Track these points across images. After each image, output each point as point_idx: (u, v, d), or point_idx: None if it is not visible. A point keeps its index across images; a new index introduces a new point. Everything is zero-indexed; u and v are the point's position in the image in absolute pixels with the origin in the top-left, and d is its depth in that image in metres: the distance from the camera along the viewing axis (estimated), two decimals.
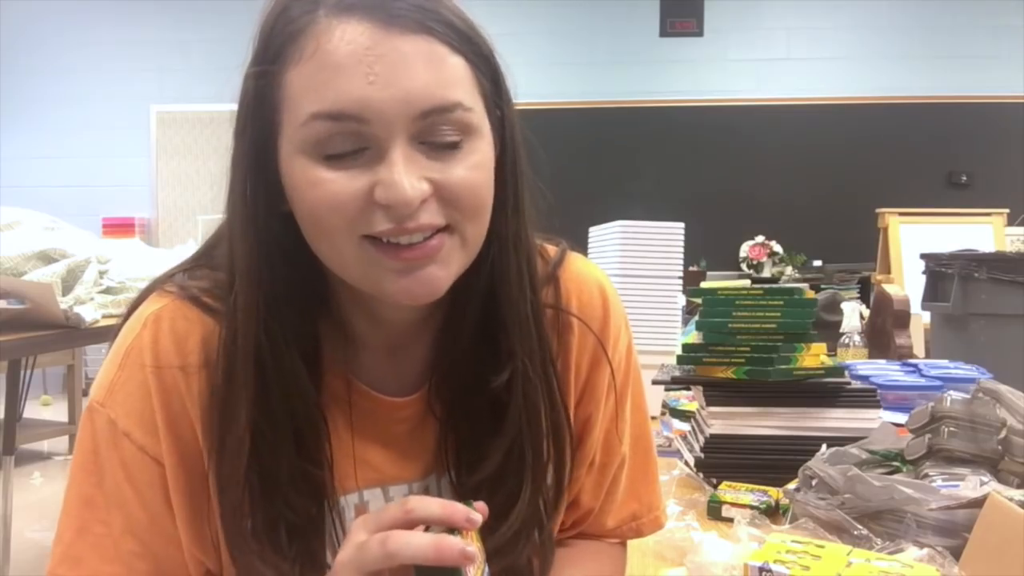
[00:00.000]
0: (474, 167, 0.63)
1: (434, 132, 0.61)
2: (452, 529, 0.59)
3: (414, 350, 0.75)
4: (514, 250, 0.70)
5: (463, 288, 0.69)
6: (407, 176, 0.59)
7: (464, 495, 0.70)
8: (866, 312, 2.37)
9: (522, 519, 0.72)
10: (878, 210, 4.09)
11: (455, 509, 0.59)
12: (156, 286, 0.73)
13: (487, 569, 0.63)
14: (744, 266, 6.32)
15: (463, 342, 0.72)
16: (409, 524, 0.59)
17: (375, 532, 0.59)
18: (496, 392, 0.71)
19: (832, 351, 1.97)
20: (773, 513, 1.11)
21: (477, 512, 0.60)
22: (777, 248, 6.32)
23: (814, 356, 1.28)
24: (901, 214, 3.98)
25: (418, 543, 0.57)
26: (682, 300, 1.95)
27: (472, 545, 0.58)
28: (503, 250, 0.69)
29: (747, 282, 1.37)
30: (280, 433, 0.66)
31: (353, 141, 0.60)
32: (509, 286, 0.70)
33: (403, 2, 0.60)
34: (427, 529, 0.59)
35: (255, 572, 0.67)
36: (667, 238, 1.77)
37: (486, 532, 0.65)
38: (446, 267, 0.64)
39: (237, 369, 0.65)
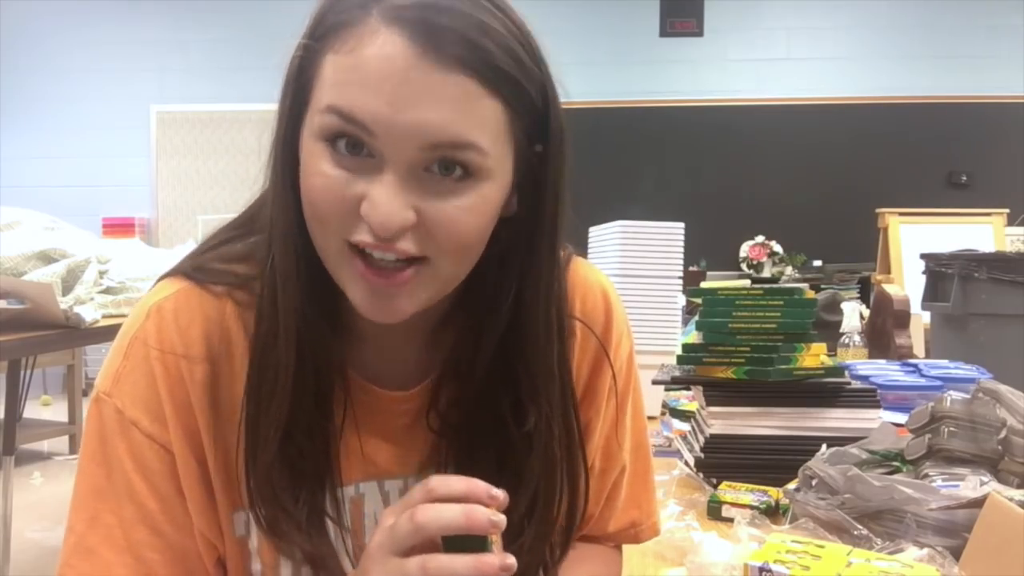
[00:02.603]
0: (467, 209, 0.61)
1: (438, 165, 0.60)
2: None
3: (410, 346, 0.75)
4: (544, 300, 0.69)
5: (476, 321, 0.70)
6: (394, 201, 0.59)
7: None
8: (866, 312, 2.37)
9: (524, 561, 0.71)
10: (878, 210, 4.09)
11: (477, 485, 0.59)
12: (167, 274, 0.74)
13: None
14: (744, 266, 6.32)
15: (477, 374, 0.71)
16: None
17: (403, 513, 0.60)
18: (510, 433, 0.71)
19: (832, 351, 1.97)
20: (773, 513, 1.11)
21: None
22: (777, 248, 6.32)
23: (814, 356, 1.28)
24: (901, 214, 3.98)
25: (448, 513, 0.57)
26: (682, 300, 1.95)
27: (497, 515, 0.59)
28: (534, 298, 0.68)
29: (747, 282, 1.37)
30: (307, 392, 0.68)
31: (359, 146, 0.60)
32: (537, 337, 0.69)
33: (454, 32, 0.58)
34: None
35: (277, 529, 0.68)
36: (667, 238, 1.77)
37: None
38: (412, 298, 0.64)
39: (279, 335, 0.66)
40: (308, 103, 0.62)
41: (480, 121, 0.60)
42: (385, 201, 0.59)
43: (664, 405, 1.69)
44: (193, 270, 0.73)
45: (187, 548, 0.70)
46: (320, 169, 0.61)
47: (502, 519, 0.58)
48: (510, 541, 0.69)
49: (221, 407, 0.70)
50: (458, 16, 0.59)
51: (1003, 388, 1.00)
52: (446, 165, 0.60)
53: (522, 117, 0.63)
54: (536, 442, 0.71)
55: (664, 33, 6.46)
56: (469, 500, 0.58)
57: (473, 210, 0.62)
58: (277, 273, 0.66)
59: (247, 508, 0.69)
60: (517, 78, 0.61)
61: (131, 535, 0.68)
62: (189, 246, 0.81)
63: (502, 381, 0.71)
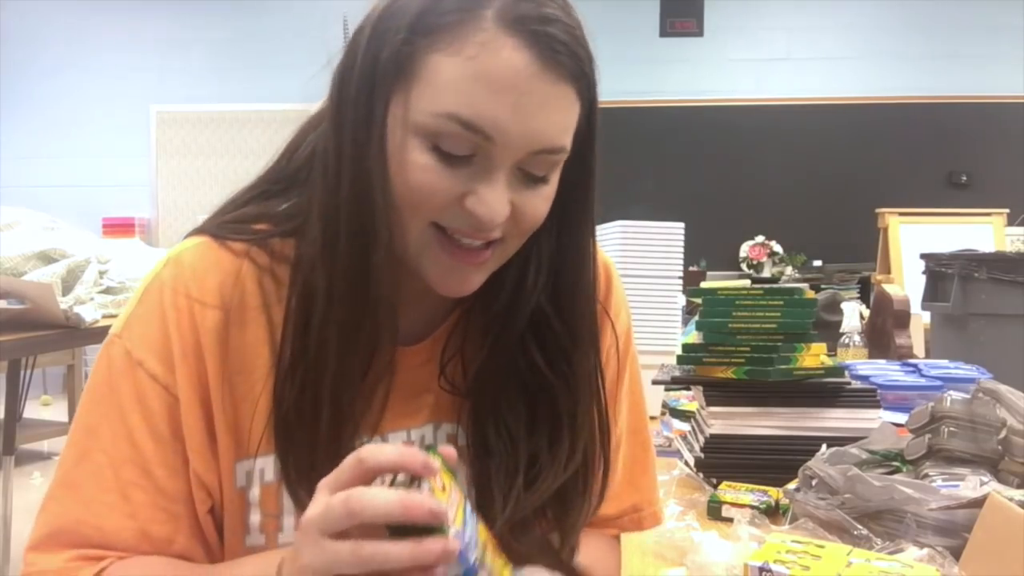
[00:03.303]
0: (546, 196, 0.68)
1: (533, 165, 0.65)
2: (418, 478, 0.55)
3: (433, 306, 0.77)
4: (589, 265, 0.75)
5: (518, 286, 0.73)
6: (501, 199, 0.64)
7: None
8: (866, 312, 2.37)
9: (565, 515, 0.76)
10: (878, 210, 4.09)
11: (411, 456, 0.54)
12: (191, 232, 0.77)
13: (469, 506, 0.59)
14: (744, 266, 6.32)
15: (516, 324, 0.74)
16: (366, 475, 0.55)
17: (335, 490, 0.55)
18: (536, 394, 0.74)
19: (832, 351, 1.97)
20: (773, 513, 1.11)
21: (436, 458, 0.56)
22: (777, 248, 6.32)
23: (814, 356, 1.28)
24: (901, 214, 3.98)
25: (382, 500, 0.52)
26: (682, 300, 1.95)
27: (441, 498, 0.54)
28: (581, 265, 0.74)
29: (747, 282, 1.37)
30: (355, 355, 0.68)
31: (470, 147, 0.63)
32: (588, 301, 0.75)
33: (564, 45, 0.63)
34: (393, 481, 0.55)
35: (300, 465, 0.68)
36: (667, 238, 1.77)
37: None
38: (485, 273, 0.70)
39: (334, 298, 0.67)
40: (399, 92, 0.64)
41: (570, 125, 0.66)
42: (494, 200, 0.64)
43: (664, 405, 1.69)
44: (215, 227, 0.75)
45: (177, 493, 0.70)
46: (423, 164, 0.63)
47: (442, 508, 0.53)
48: (534, 478, 0.73)
49: (230, 357, 0.71)
50: (562, 26, 0.64)
51: (1003, 388, 1.00)
52: (540, 167, 0.66)
53: (585, 109, 0.68)
54: (558, 387, 0.74)
55: (664, 33, 6.46)
56: (402, 470, 0.55)
57: (549, 196, 0.69)
58: (349, 240, 0.66)
59: (253, 458, 0.70)
60: (591, 78, 0.67)
61: (120, 474, 0.69)
62: None
63: (529, 329, 0.74)
